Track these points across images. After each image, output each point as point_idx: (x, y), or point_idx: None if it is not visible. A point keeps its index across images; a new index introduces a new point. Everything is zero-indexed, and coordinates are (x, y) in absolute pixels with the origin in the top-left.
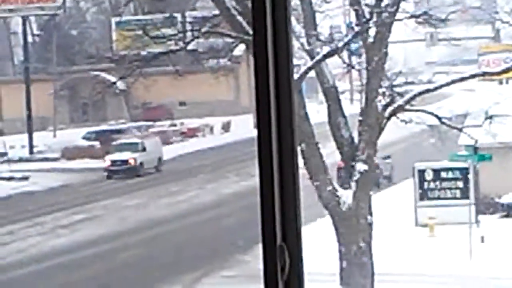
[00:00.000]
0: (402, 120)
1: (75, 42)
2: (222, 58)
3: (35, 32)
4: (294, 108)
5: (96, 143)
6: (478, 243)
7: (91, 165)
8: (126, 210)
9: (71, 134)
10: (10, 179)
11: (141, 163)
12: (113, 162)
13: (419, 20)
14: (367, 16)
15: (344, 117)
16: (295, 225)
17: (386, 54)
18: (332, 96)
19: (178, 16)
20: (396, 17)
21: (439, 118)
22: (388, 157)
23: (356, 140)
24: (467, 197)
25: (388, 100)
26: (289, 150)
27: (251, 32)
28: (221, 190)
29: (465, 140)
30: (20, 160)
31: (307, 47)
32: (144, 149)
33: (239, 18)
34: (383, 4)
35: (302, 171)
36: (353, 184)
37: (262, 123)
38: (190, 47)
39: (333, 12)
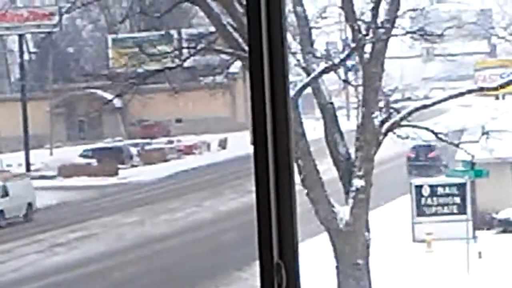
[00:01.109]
0: (398, 136)
1: (71, 59)
2: (218, 75)
3: (32, 49)
4: (291, 125)
5: (93, 161)
6: (475, 259)
7: (88, 183)
8: (124, 227)
9: (68, 152)
10: (6, 196)
11: (1, 211)
12: None
13: (415, 36)
14: (364, 32)
15: (341, 133)
16: (292, 242)
17: (382, 70)
18: (328, 113)
19: (174, 33)
20: (392, 33)
21: (436, 134)
22: None
23: (353, 156)
24: (464, 213)
25: (384, 116)
26: (286, 167)
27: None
28: (218, 207)
29: (462, 156)
30: None
31: (303, 64)
32: (6, 194)
33: (235, 35)
34: (379, 20)
35: (298, 187)
36: (350, 201)
37: (258, 140)
38: (186, 64)
39: (329, 28)
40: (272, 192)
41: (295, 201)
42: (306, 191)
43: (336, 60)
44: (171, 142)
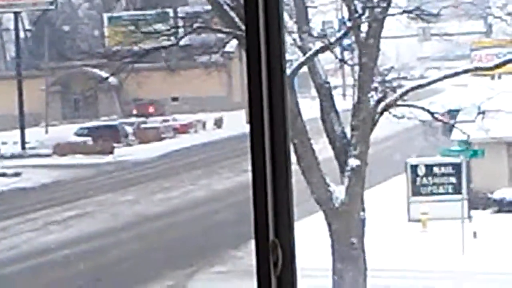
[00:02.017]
0: (394, 116)
1: (67, 37)
2: (214, 53)
3: (27, 27)
4: (287, 104)
5: (89, 139)
6: (470, 238)
7: (83, 161)
8: (119, 205)
9: (63, 130)
10: (2, 175)
11: None
12: None
13: (412, 15)
14: (360, 11)
15: (337, 112)
16: (287, 221)
17: (378, 49)
18: (324, 92)
19: (170, 11)
20: (389, 12)
21: (432, 113)
22: None
23: (348, 135)
24: (460, 193)
25: (380, 95)
26: (282, 146)
27: (243, 27)
28: (214, 186)
29: (458, 135)
30: (12, 156)
31: (299, 43)
32: None
33: (231, 13)
34: None
35: (294, 166)
36: (345, 180)
37: (254, 119)
38: (182, 42)
39: (326, 7)
40: (268, 170)
41: (291, 180)
42: (301, 170)
43: (332, 39)
44: (166, 120)
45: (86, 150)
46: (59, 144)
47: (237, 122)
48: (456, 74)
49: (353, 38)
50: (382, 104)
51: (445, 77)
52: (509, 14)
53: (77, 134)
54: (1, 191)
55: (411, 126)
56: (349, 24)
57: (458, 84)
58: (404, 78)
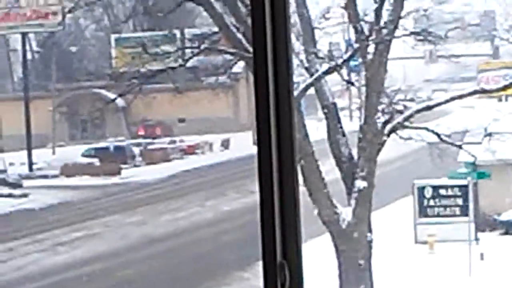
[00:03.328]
0: (401, 137)
1: (74, 59)
2: (221, 75)
3: (35, 49)
4: (295, 125)
5: (96, 160)
6: (477, 260)
7: (91, 182)
8: (126, 227)
9: (70, 151)
10: (9, 196)
11: None
12: None
13: (419, 37)
14: (366, 33)
15: (344, 134)
16: (295, 242)
17: (385, 71)
18: (331, 113)
19: (177, 33)
20: (395, 34)
21: (438, 135)
22: None
23: (355, 157)
24: (467, 215)
25: (387, 117)
26: (289, 167)
27: (250, 49)
28: (221, 207)
29: (465, 157)
30: (19, 177)
31: (306, 64)
32: None
33: (239, 35)
34: (382, 21)
35: (301, 188)
36: (352, 201)
37: (262, 140)
38: (189, 64)
39: (332, 29)
40: (275, 192)
41: (299, 201)
42: (308, 192)
43: (339, 61)
44: (173, 142)
45: (93, 171)
46: (66, 165)
47: (244, 144)
48: (463, 96)
49: (360, 59)
50: (389, 126)
51: (452, 99)
52: None
53: (84, 155)
54: (9, 212)
55: (418, 147)
56: (356, 45)
57: (465, 106)
58: (411, 100)
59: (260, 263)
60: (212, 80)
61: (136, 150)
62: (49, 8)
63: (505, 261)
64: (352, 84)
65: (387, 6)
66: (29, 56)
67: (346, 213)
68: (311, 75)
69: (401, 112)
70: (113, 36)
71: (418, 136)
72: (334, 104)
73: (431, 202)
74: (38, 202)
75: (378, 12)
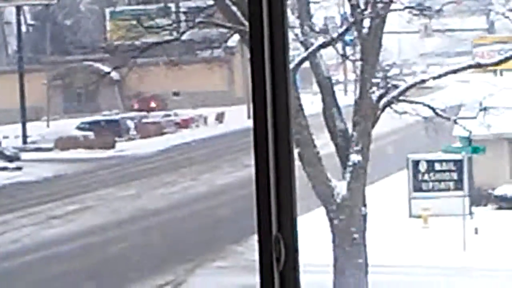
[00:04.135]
0: (396, 111)
1: (68, 32)
2: (216, 48)
3: (29, 22)
4: (291, 99)
5: (90, 134)
6: (472, 235)
7: (85, 155)
8: (120, 200)
9: (65, 125)
10: (3, 169)
11: None
12: None
13: (414, 11)
14: (362, 7)
15: (338, 108)
16: (290, 216)
17: (380, 45)
18: (326, 87)
19: (172, 6)
20: (391, 8)
21: (434, 110)
22: None
23: (350, 131)
24: (461, 189)
25: (382, 91)
26: (285, 141)
27: (245, 22)
28: (215, 181)
29: (459, 132)
30: (17, 150)
31: (301, 38)
32: None
33: (234, 8)
34: None
35: (296, 162)
36: (347, 175)
37: (258, 114)
38: (184, 37)
39: (328, 2)
40: (271, 165)
41: (294, 175)
42: (303, 165)
43: (334, 35)
44: (168, 115)
45: (88, 145)
46: (61, 138)
47: (239, 117)
48: (458, 70)
49: (355, 33)
50: (384, 100)
51: (447, 73)
52: (511, 10)
53: (79, 128)
54: (3, 185)
55: (413, 122)
56: (351, 19)
57: (460, 80)
58: (406, 74)
59: (255, 237)
60: (207, 53)
61: (131, 124)
62: None
63: (499, 235)
64: (347, 58)
65: None
66: (23, 29)
67: (340, 187)
68: (306, 49)
69: (396, 86)
70: (107, 10)
71: (413, 111)
72: (329, 78)
73: (426, 177)
74: (32, 175)
75: None
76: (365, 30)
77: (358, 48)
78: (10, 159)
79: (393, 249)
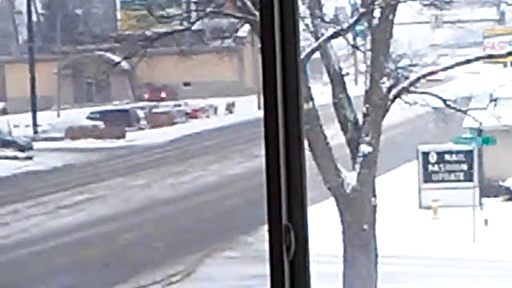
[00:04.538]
0: (406, 102)
1: (79, 21)
2: (226, 38)
3: (40, 11)
4: (301, 89)
5: (100, 123)
6: (481, 226)
7: (95, 145)
8: (130, 190)
9: (75, 114)
10: (14, 158)
11: None
12: None
13: (425, 2)
14: None
15: (349, 98)
16: (301, 205)
17: (391, 36)
18: (336, 78)
19: None
20: None
21: (444, 101)
22: None
23: (360, 122)
24: (471, 180)
25: (392, 82)
26: (296, 131)
27: (255, 12)
28: (225, 171)
29: (470, 123)
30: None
31: (311, 28)
32: None
33: None
34: None
35: (306, 152)
36: (357, 166)
37: (268, 104)
38: (194, 27)
39: None
40: (281, 155)
41: (305, 165)
42: (313, 156)
43: (345, 25)
44: (178, 105)
45: (98, 134)
46: (71, 128)
47: (249, 107)
48: (469, 61)
49: (365, 24)
50: (394, 91)
51: (457, 64)
52: None
53: (89, 118)
54: (13, 174)
55: (423, 113)
56: (361, 10)
57: (471, 71)
58: (416, 65)
59: (264, 227)
60: (218, 43)
61: (141, 113)
62: None
63: (509, 226)
64: (358, 48)
65: None
66: (34, 18)
67: (350, 178)
68: (317, 39)
69: (406, 77)
70: None
71: (423, 101)
72: (340, 68)
73: (436, 168)
74: (43, 165)
75: None
76: (375, 21)
77: (368, 38)
78: (23, 148)
79: (403, 240)
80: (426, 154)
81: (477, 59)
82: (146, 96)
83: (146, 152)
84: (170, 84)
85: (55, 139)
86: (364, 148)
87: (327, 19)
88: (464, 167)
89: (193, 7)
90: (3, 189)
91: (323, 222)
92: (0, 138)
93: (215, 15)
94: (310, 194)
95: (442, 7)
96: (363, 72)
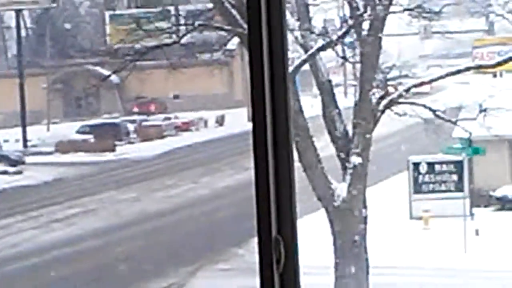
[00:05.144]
0: (396, 113)
1: (68, 35)
2: (216, 51)
3: (29, 25)
4: (289, 101)
5: (90, 137)
6: (472, 236)
7: (85, 159)
8: (121, 203)
9: (65, 128)
10: (3, 173)
11: None
12: None
13: (413, 13)
14: (361, 9)
15: (339, 110)
16: (290, 218)
17: (380, 47)
18: (326, 90)
19: (172, 9)
20: (390, 10)
21: (434, 111)
22: None
23: (350, 133)
24: (462, 190)
25: (382, 93)
26: (285, 143)
27: (245, 25)
28: (215, 184)
29: (460, 133)
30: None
31: (301, 40)
32: None
33: (233, 11)
34: None
35: (296, 164)
36: (347, 177)
37: (257, 116)
38: (184, 40)
39: (327, 5)
40: (270, 167)
41: (294, 177)
42: (303, 168)
43: (334, 37)
44: (168, 118)
45: (88, 148)
46: (61, 142)
47: (239, 120)
48: (458, 72)
49: (354, 35)
50: (383, 102)
51: (447, 75)
52: (510, 12)
53: (79, 132)
54: (3, 189)
55: (413, 123)
56: (350, 22)
57: (460, 82)
58: (406, 76)
59: (255, 239)
60: (207, 56)
61: (131, 127)
62: None
63: (500, 236)
64: (347, 60)
65: None
66: (23, 33)
67: (341, 189)
68: (306, 51)
69: (396, 88)
70: (107, 13)
71: (413, 112)
72: (329, 80)
73: (426, 178)
74: (33, 179)
75: None
76: (364, 33)
77: (357, 50)
78: (15, 163)
79: (394, 250)
80: (416, 165)
81: (467, 69)
82: (136, 109)
83: (136, 165)
84: (159, 98)
85: (45, 153)
86: (354, 159)
87: (316, 31)
88: (455, 177)
89: (182, 20)
90: None
91: (313, 233)
92: None
93: (204, 28)
94: (300, 206)
95: (431, 18)
96: (353, 84)
